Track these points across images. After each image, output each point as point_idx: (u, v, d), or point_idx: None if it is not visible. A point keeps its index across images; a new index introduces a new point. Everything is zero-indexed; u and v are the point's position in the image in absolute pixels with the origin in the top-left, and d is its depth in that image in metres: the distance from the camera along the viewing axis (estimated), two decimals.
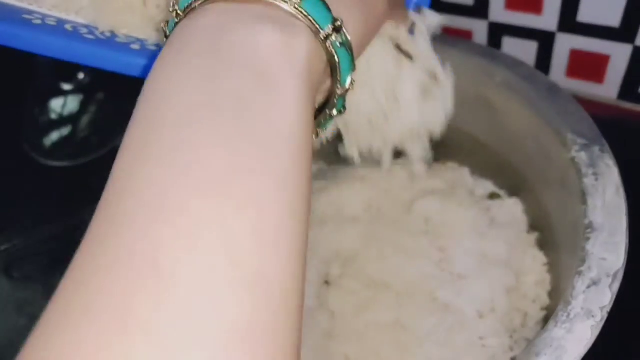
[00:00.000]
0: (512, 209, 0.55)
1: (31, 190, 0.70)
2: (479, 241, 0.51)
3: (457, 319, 0.47)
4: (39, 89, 0.71)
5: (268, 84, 0.21)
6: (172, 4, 0.25)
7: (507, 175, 0.55)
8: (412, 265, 0.49)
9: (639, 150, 0.53)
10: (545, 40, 0.63)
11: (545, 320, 0.48)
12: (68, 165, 0.68)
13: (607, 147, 0.42)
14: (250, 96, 0.21)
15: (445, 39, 0.51)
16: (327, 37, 0.24)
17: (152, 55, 0.34)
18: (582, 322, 0.34)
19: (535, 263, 0.51)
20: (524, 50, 0.65)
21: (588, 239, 0.38)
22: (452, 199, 0.53)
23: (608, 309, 0.35)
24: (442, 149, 0.60)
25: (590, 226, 0.38)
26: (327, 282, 0.51)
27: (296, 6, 0.23)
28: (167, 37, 0.26)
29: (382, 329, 0.47)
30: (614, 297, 0.35)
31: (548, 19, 0.61)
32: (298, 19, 0.24)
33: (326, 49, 0.25)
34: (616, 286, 0.36)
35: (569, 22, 0.60)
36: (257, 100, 0.21)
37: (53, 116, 0.70)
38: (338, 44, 0.25)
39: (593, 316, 0.34)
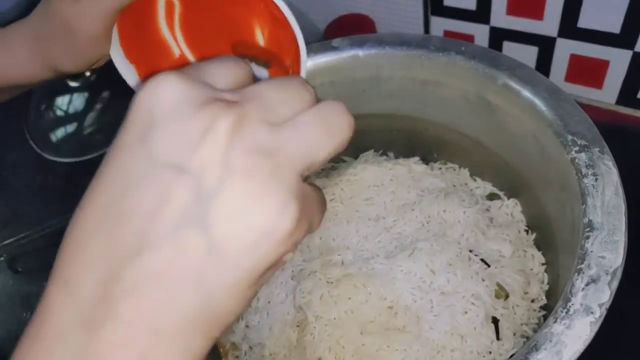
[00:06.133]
0: (511, 209, 0.55)
1: (36, 185, 0.70)
2: (478, 240, 0.52)
3: (454, 318, 0.47)
4: (46, 85, 0.71)
5: None
6: None
7: (507, 176, 0.55)
8: (412, 262, 0.50)
9: (637, 155, 0.54)
10: (545, 45, 0.64)
11: (543, 320, 0.48)
12: (73, 161, 0.69)
13: (606, 149, 0.42)
14: None
15: (446, 41, 0.52)
16: None
17: None
18: (582, 318, 0.35)
19: (533, 263, 0.51)
20: (524, 55, 0.66)
21: (587, 237, 0.38)
22: (452, 198, 0.54)
23: (607, 306, 0.35)
24: (443, 150, 0.60)
25: (589, 225, 0.39)
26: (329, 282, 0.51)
27: None
28: None
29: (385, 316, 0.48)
30: (613, 294, 0.35)
31: (549, 24, 0.62)
32: None
33: None
34: (615, 284, 0.36)
35: (569, 27, 0.61)
36: None
37: (59, 113, 0.71)
38: None
39: (592, 313, 0.35)
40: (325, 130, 0.23)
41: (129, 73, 0.36)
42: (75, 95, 0.71)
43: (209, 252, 0.21)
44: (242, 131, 0.21)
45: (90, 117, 0.71)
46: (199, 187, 0.21)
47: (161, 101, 0.22)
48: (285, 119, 0.23)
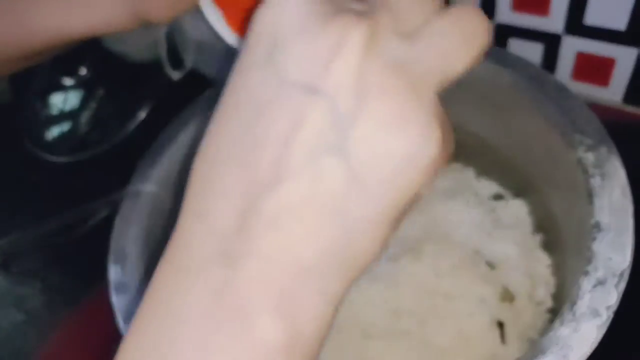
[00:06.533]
0: (516, 210, 0.55)
1: (31, 184, 0.70)
2: (483, 242, 0.51)
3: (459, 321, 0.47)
4: (40, 83, 0.71)
5: None
6: None
7: (513, 176, 0.54)
8: (416, 265, 0.49)
9: None
10: (551, 42, 0.63)
11: (550, 323, 0.48)
12: (68, 161, 0.68)
13: (614, 148, 0.42)
14: None
15: None
16: None
17: None
18: (588, 321, 0.34)
19: (540, 265, 0.51)
20: (530, 52, 0.65)
21: (594, 239, 0.38)
22: (457, 199, 0.53)
23: (614, 308, 0.35)
24: None
25: (596, 226, 0.38)
26: None
27: None
28: None
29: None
30: (620, 296, 0.35)
31: (554, 20, 0.61)
32: None
33: None
34: (622, 286, 0.35)
35: (575, 24, 0.60)
36: None
37: (54, 111, 0.71)
38: None
39: (599, 315, 0.34)
40: (461, 39, 0.21)
41: (215, 18, 0.36)
42: (71, 94, 0.70)
43: (349, 182, 0.19)
44: (376, 45, 0.19)
45: (85, 116, 0.70)
46: (335, 110, 0.19)
47: (285, 17, 0.20)
48: (417, 29, 0.21)
